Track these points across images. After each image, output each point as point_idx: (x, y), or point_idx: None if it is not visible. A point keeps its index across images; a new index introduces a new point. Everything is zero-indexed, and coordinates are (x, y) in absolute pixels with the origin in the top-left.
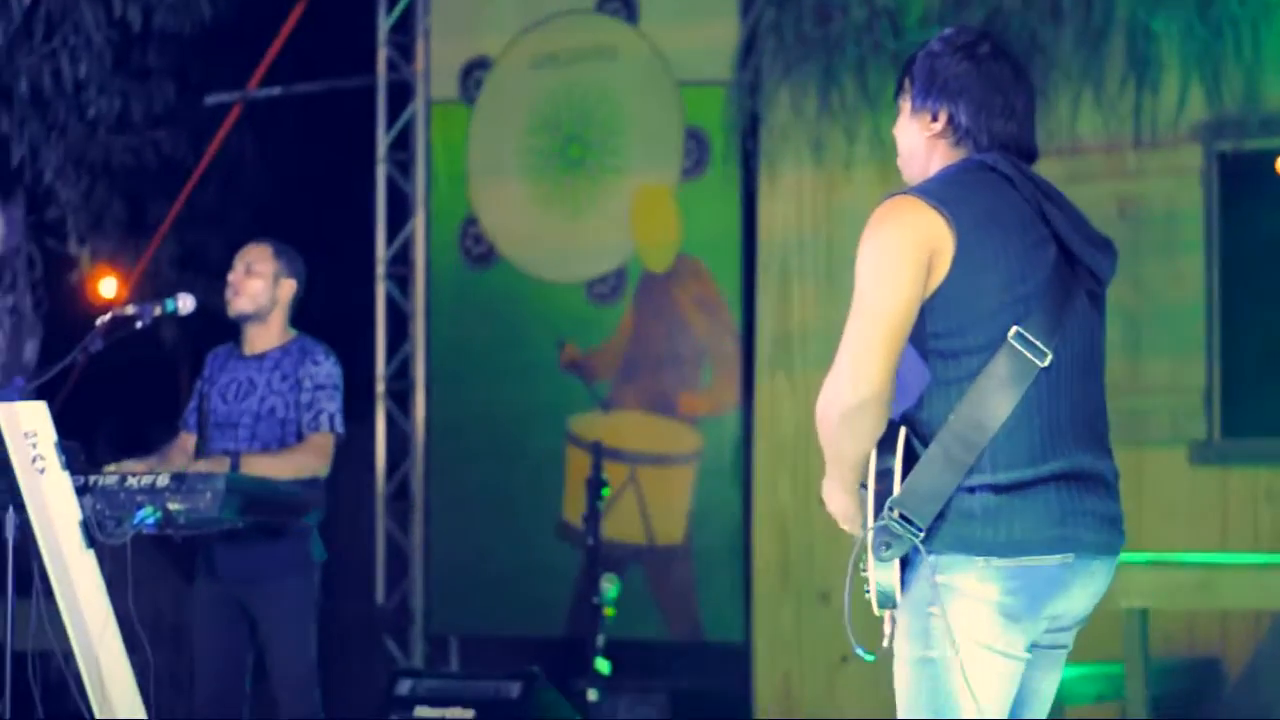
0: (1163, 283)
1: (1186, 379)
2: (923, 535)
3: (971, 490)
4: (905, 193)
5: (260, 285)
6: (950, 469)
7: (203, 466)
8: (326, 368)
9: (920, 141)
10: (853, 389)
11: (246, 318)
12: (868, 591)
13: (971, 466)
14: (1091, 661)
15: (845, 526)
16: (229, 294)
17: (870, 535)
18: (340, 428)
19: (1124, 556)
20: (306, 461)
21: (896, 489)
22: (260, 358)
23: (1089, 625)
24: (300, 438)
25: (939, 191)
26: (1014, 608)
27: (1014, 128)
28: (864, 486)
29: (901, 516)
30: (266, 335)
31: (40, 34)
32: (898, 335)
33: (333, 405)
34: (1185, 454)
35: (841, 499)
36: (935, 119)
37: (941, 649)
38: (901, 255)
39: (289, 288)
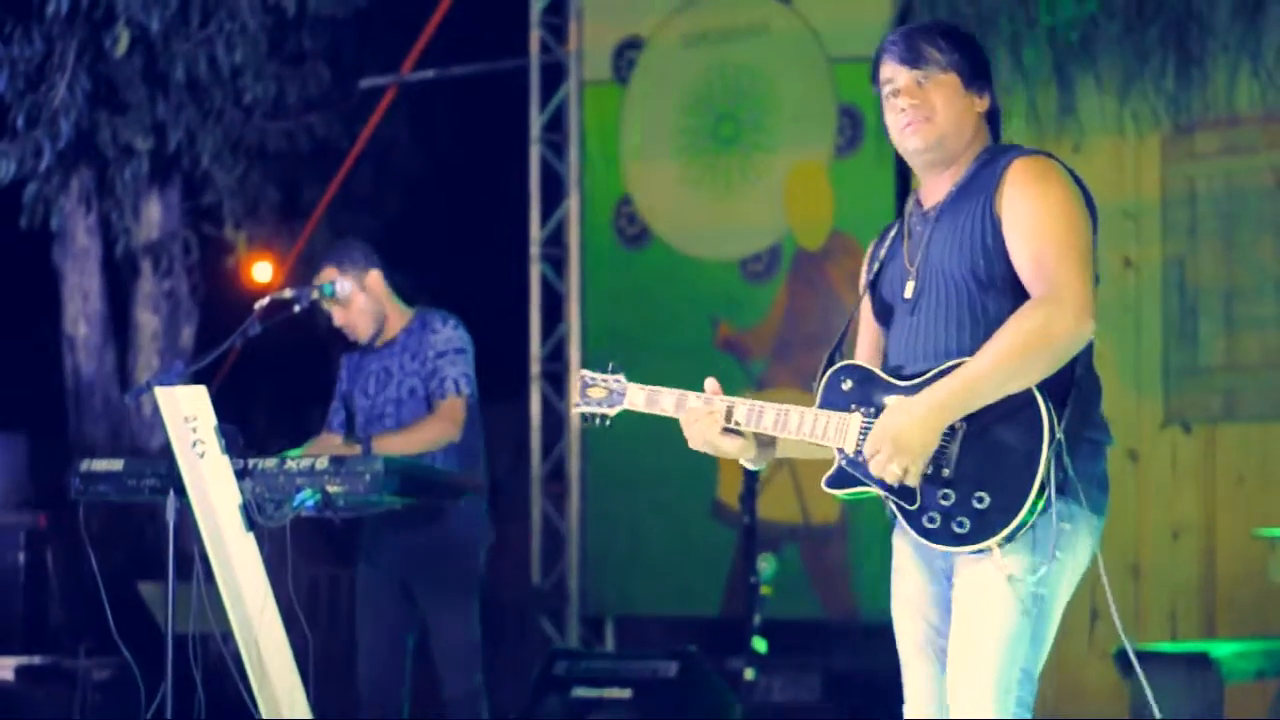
0: None
1: None
2: (1063, 478)
3: (1095, 444)
4: (1060, 161)
5: (360, 304)
6: (1087, 424)
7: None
8: (445, 333)
9: (971, 118)
10: (1085, 321)
11: (376, 333)
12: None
13: (1095, 423)
14: (1250, 638)
15: (904, 471)
16: (349, 334)
17: (1051, 470)
18: (467, 389)
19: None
20: (434, 429)
21: (1059, 432)
22: (389, 345)
23: (1247, 602)
24: (432, 409)
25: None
26: (1084, 570)
27: None
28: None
29: (1057, 458)
30: (388, 326)
31: (196, 21)
32: None
33: (455, 369)
34: None
35: (934, 440)
36: (982, 98)
37: (1053, 588)
38: (1083, 208)
39: (376, 278)
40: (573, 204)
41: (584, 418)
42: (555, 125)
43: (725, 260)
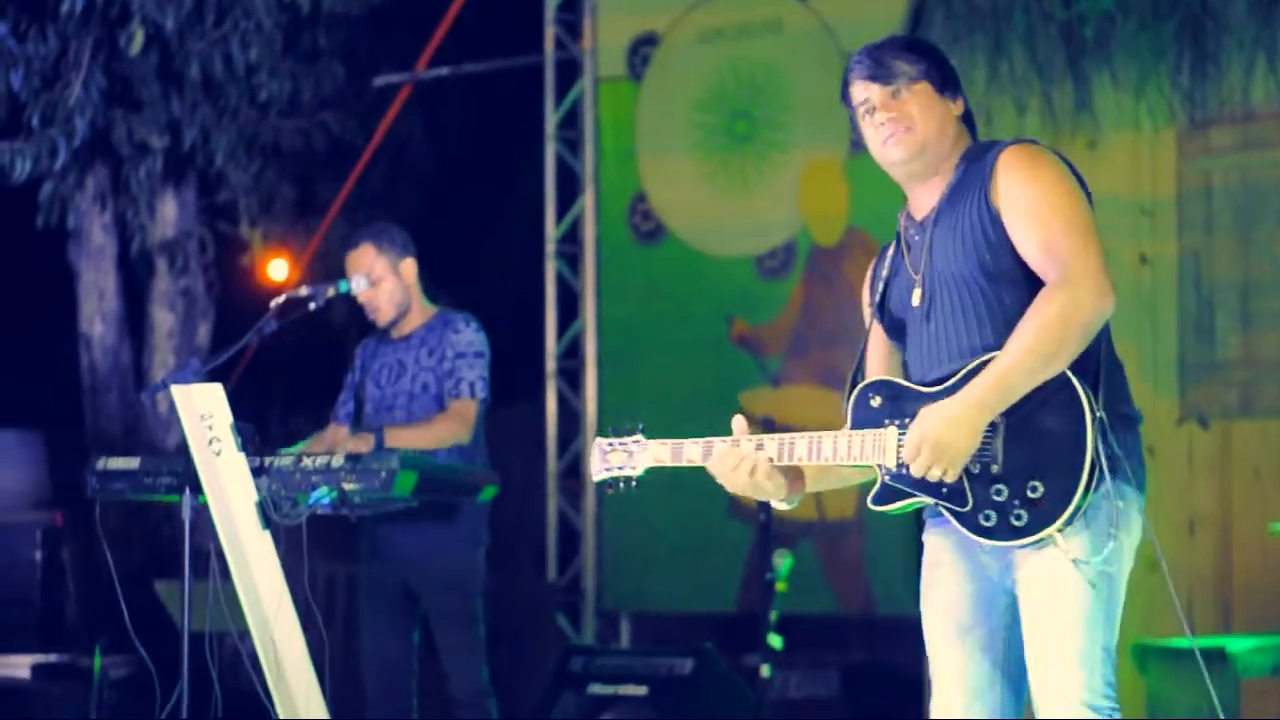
0: None
1: None
2: (1111, 455)
3: (1130, 420)
4: (1045, 146)
5: (389, 287)
6: (1121, 400)
7: (350, 445)
8: (467, 335)
9: (950, 122)
10: (1106, 296)
11: (397, 319)
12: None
13: (1128, 399)
14: (1267, 633)
15: (946, 472)
16: (369, 313)
17: (1099, 449)
18: (482, 393)
19: None
20: (447, 429)
21: (1099, 410)
22: (407, 339)
23: (1263, 597)
24: (444, 407)
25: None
26: (1138, 547)
27: None
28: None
29: (1102, 435)
30: (409, 318)
31: (211, 19)
32: None
33: (473, 372)
34: None
35: (975, 440)
36: (956, 102)
37: (1118, 565)
38: (1078, 185)
39: (410, 267)
40: (588, 201)
41: (608, 484)
42: (570, 122)
43: (741, 257)
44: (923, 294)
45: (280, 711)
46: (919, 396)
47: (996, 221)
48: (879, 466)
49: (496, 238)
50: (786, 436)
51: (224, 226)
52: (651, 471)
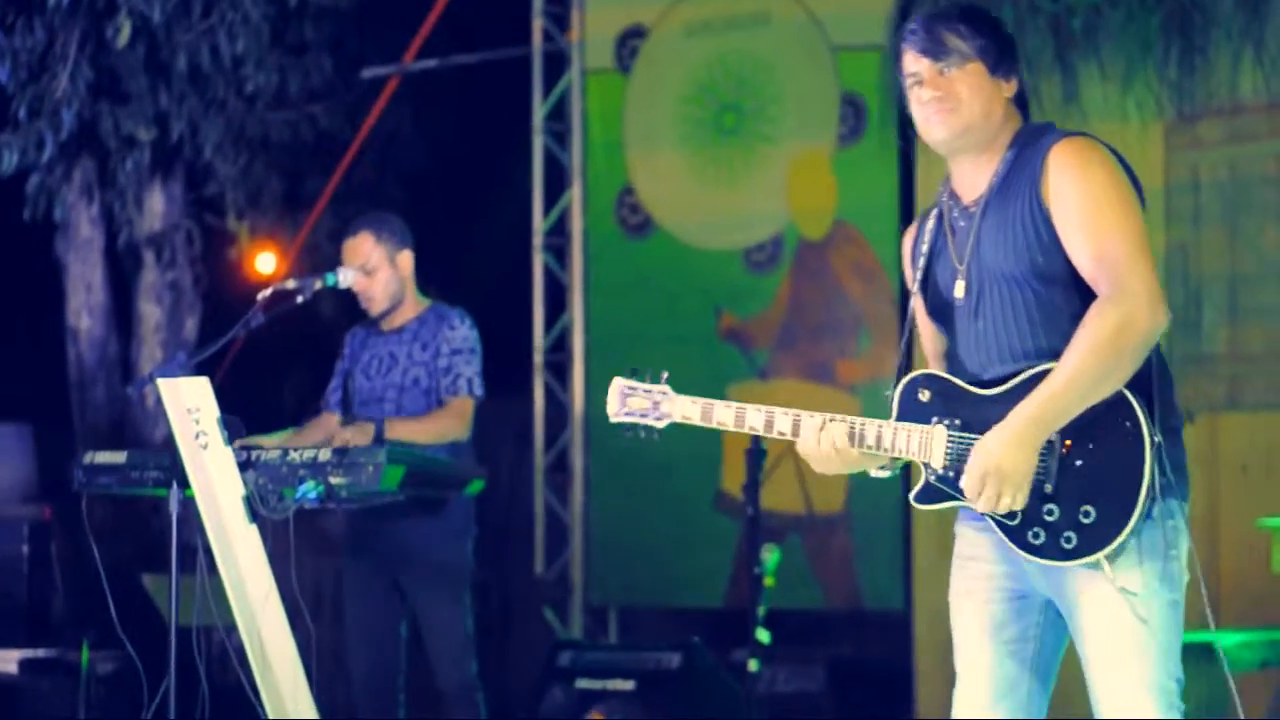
0: None
1: None
2: (1165, 482)
3: (1176, 430)
4: (1098, 139)
5: (385, 277)
6: (1171, 413)
7: (347, 434)
8: (463, 332)
9: (999, 103)
10: (1159, 311)
11: (389, 311)
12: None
13: (1175, 409)
14: (1256, 628)
15: (1014, 499)
16: (363, 302)
17: (1155, 476)
18: (479, 391)
19: None
20: (448, 426)
21: (1158, 434)
22: (399, 331)
23: (1250, 592)
24: (441, 404)
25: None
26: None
27: None
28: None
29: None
30: (402, 310)
31: (198, 11)
32: None
33: (470, 369)
34: None
35: (1035, 460)
36: (1009, 81)
37: (1181, 591)
38: (1130, 187)
39: (407, 259)
40: (575, 194)
41: (625, 428)
42: (558, 115)
43: (728, 250)
44: (968, 288)
45: (268, 707)
46: (974, 400)
47: (1048, 222)
48: (924, 465)
49: (484, 230)
50: (828, 416)
51: (211, 219)
52: (640, 462)
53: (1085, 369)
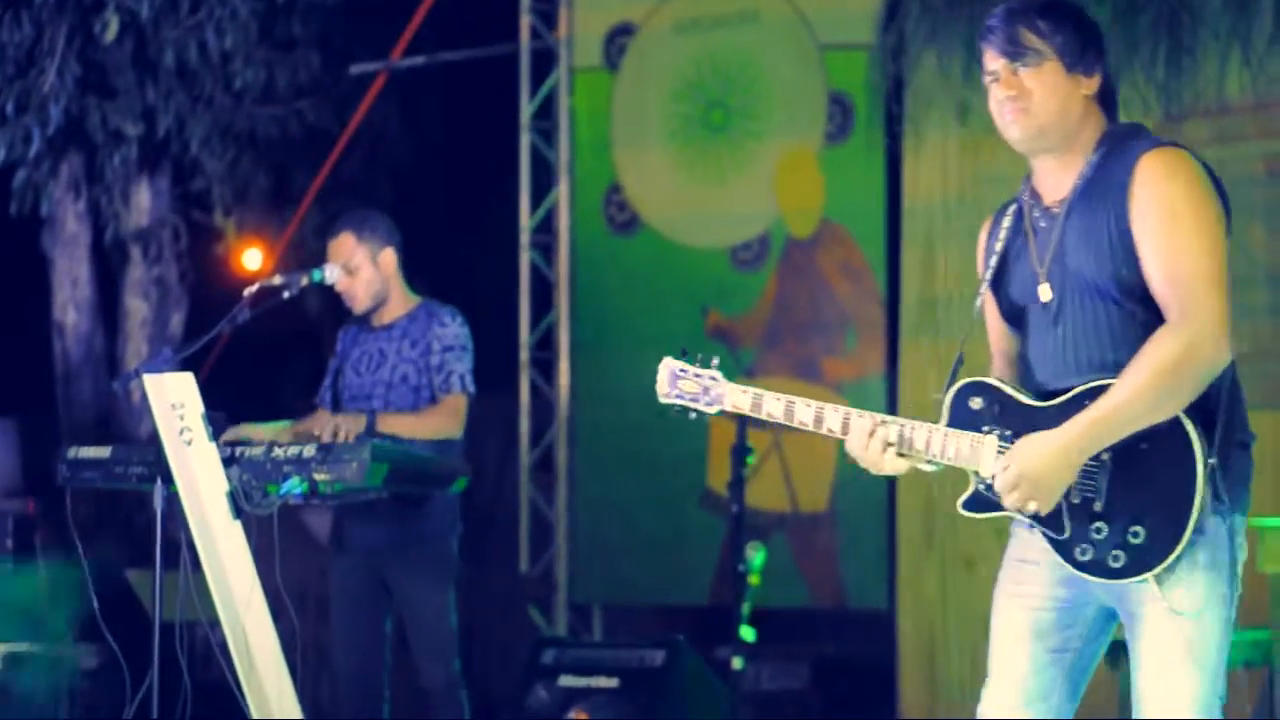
0: None
1: None
2: (1219, 504)
3: (1245, 446)
4: (1190, 152)
5: (367, 276)
6: (1237, 430)
7: (340, 420)
8: (454, 329)
9: (1077, 102)
10: (1222, 347)
11: (375, 308)
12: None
13: (1243, 426)
14: (1239, 628)
15: (1040, 507)
16: (346, 301)
17: (1208, 498)
18: (471, 388)
19: (1269, 521)
20: (441, 422)
21: (1213, 457)
22: (389, 328)
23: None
24: (434, 401)
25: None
26: (1243, 562)
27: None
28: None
29: (1212, 482)
30: (391, 307)
31: (186, 7)
32: None
33: (462, 366)
34: None
35: (1072, 477)
36: (1090, 78)
37: (1233, 607)
38: (1216, 208)
39: (390, 257)
40: (562, 191)
41: (674, 408)
42: (545, 112)
43: (715, 248)
44: (1052, 293)
45: (251, 704)
46: (1027, 412)
47: (1131, 234)
48: (974, 474)
49: (471, 227)
50: (878, 418)
51: (198, 215)
52: (625, 460)
53: (1139, 396)
